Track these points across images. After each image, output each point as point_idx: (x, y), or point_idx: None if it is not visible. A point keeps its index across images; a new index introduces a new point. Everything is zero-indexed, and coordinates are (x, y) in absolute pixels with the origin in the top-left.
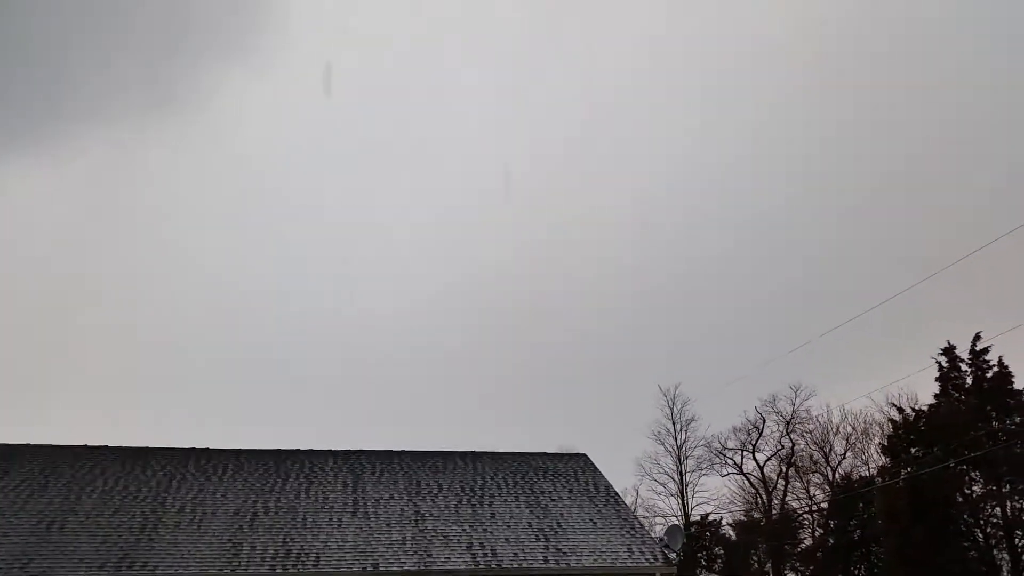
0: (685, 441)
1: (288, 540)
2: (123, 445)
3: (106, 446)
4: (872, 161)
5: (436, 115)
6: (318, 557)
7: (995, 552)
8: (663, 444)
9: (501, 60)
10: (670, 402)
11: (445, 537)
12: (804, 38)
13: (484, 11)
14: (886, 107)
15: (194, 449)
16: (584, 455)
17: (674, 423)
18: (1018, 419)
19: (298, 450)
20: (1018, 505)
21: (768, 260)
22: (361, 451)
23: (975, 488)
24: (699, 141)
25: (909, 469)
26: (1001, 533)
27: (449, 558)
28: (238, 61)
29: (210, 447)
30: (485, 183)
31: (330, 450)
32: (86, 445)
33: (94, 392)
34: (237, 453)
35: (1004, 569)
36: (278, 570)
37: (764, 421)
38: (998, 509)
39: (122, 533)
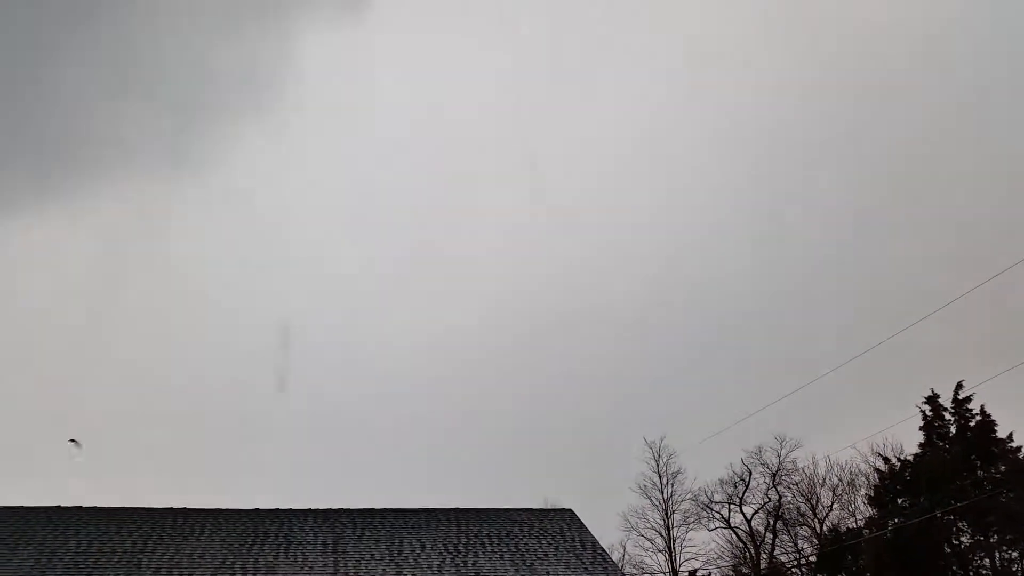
0: (672, 495)
1: None
2: (98, 506)
3: (80, 507)
4: (845, 210)
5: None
6: None
7: None
8: (649, 498)
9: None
10: (656, 455)
11: None
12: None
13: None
14: (875, 121)
15: (171, 509)
16: (570, 510)
17: (660, 476)
18: (1003, 468)
19: (277, 509)
20: (1007, 556)
21: (754, 310)
22: (341, 510)
23: (963, 539)
24: (684, 189)
25: (896, 520)
26: None
27: None
28: (253, 120)
29: (187, 507)
30: (466, 237)
31: (309, 509)
32: (59, 506)
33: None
34: (215, 513)
35: None
36: None
37: (750, 473)
38: (987, 560)
39: None
